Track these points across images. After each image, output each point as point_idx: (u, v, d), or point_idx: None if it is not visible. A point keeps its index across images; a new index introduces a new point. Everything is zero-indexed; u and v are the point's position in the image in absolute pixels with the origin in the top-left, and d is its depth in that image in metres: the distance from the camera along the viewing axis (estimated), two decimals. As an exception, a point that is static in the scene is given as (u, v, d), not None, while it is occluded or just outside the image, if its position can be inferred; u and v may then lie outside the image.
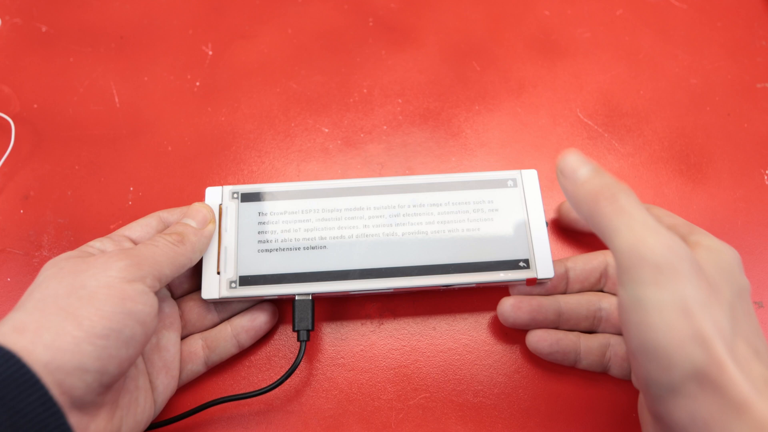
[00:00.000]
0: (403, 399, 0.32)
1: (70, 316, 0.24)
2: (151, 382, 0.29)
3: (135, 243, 0.30)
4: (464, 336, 0.33)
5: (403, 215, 0.33)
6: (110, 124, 0.38)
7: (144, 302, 0.25)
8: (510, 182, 0.33)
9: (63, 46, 0.40)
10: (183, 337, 0.31)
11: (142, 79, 0.40)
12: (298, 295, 0.31)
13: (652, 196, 0.37)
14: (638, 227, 0.22)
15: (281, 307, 0.34)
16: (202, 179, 0.37)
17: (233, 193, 0.33)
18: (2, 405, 0.21)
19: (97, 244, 0.29)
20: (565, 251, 0.36)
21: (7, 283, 0.34)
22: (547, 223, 0.33)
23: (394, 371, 0.32)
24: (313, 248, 0.32)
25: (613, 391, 0.32)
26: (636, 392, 0.31)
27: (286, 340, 0.33)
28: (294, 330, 0.31)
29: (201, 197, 0.33)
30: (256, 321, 0.32)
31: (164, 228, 0.31)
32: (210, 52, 0.41)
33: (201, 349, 0.31)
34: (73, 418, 0.23)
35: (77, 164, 0.37)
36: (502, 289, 0.33)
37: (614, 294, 0.32)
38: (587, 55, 0.42)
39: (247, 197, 0.33)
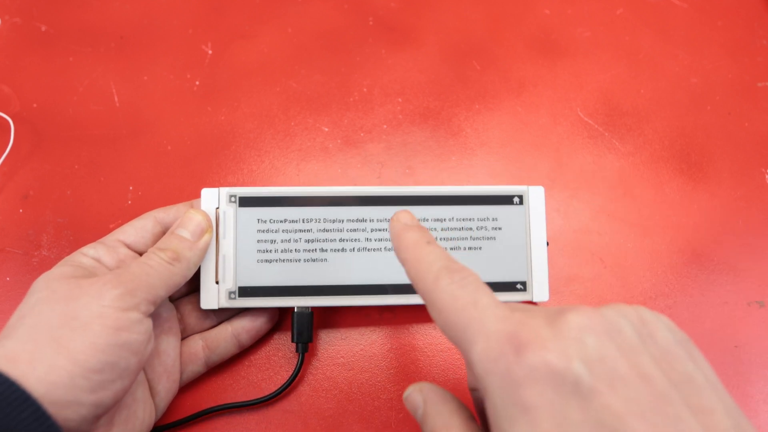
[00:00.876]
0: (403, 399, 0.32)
1: (63, 349, 0.23)
2: (152, 387, 0.29)
3: (129, 248, 0.29)
4: (464, 335, 0.33)
5: None
6: (110, 123, 0.38)
7: (138, 331, 0.25)
8: (516, 199, 0.33)
9: (63, 45, 0.40)
10: (183, 338, 0.31)
11: (142, 79, 0.40)
12: (298, 307, 0.31)
13: (652, 196, 0.37)
14: None
15: (281, 308, 0.34)
16: (202, 179, 0.37)
17: (231, 196, 0.31)
18: None
19: (90, 251, 0.28)
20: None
21: (6, 282, 0.34)
22: (547, 243, 0.33)
23: (394, 371, 0.32)
24: (313, 261, 0.31)
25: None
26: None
27: (286, 340, 0.33)
28: (293, 341, 0.31)
29: (200, 197, 0.33)
30: (257, 321, 0.32)
31: (160, 230, 0.30)
32: (210, 52, 0.41)
33: (201, 350, 0.31)
34: None
35: (77, 164, 0.37)
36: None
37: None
38: (587, 54, 0.42)
39: (245, 202, 0.32)
